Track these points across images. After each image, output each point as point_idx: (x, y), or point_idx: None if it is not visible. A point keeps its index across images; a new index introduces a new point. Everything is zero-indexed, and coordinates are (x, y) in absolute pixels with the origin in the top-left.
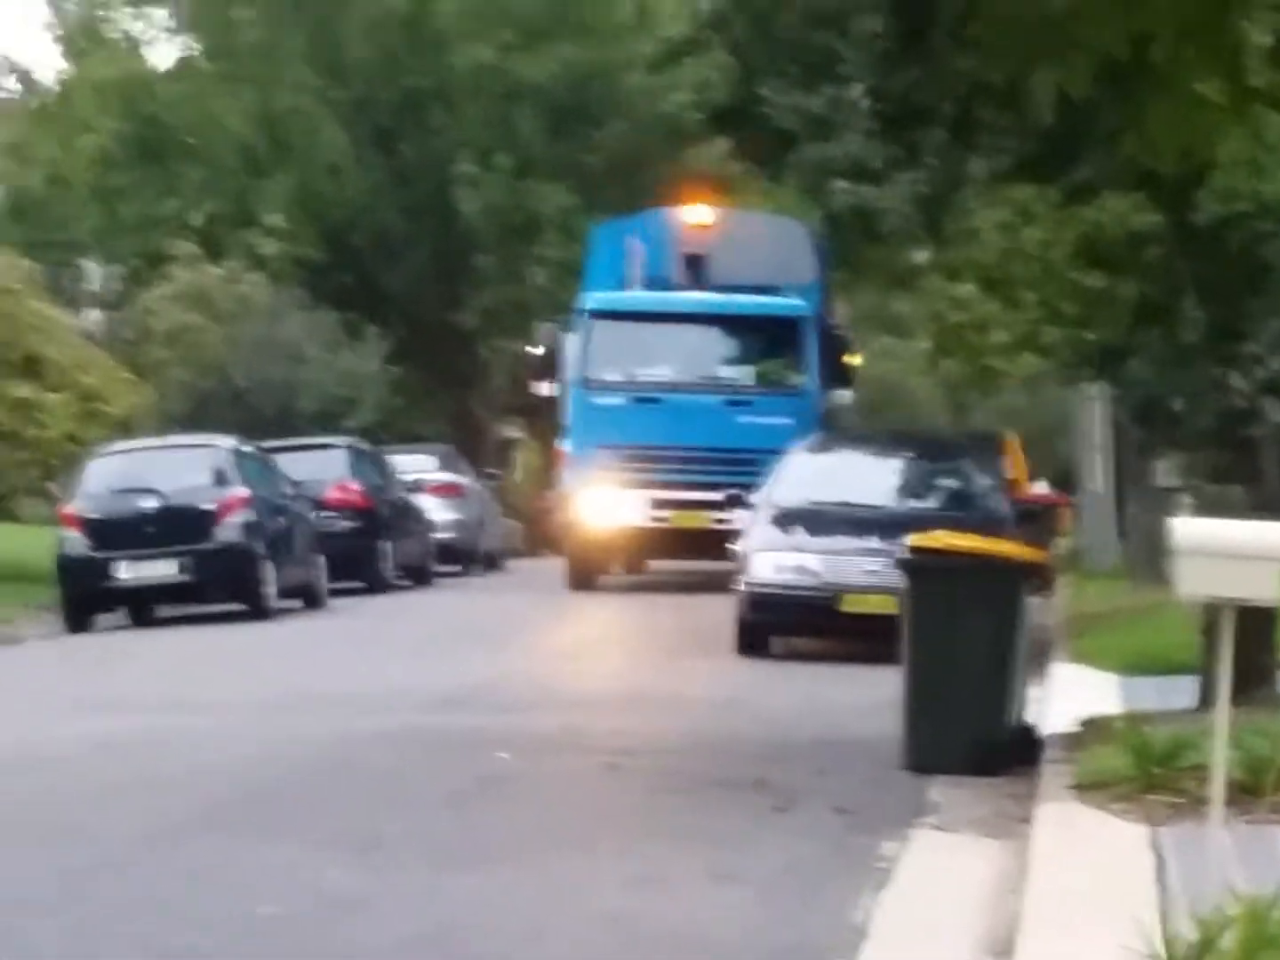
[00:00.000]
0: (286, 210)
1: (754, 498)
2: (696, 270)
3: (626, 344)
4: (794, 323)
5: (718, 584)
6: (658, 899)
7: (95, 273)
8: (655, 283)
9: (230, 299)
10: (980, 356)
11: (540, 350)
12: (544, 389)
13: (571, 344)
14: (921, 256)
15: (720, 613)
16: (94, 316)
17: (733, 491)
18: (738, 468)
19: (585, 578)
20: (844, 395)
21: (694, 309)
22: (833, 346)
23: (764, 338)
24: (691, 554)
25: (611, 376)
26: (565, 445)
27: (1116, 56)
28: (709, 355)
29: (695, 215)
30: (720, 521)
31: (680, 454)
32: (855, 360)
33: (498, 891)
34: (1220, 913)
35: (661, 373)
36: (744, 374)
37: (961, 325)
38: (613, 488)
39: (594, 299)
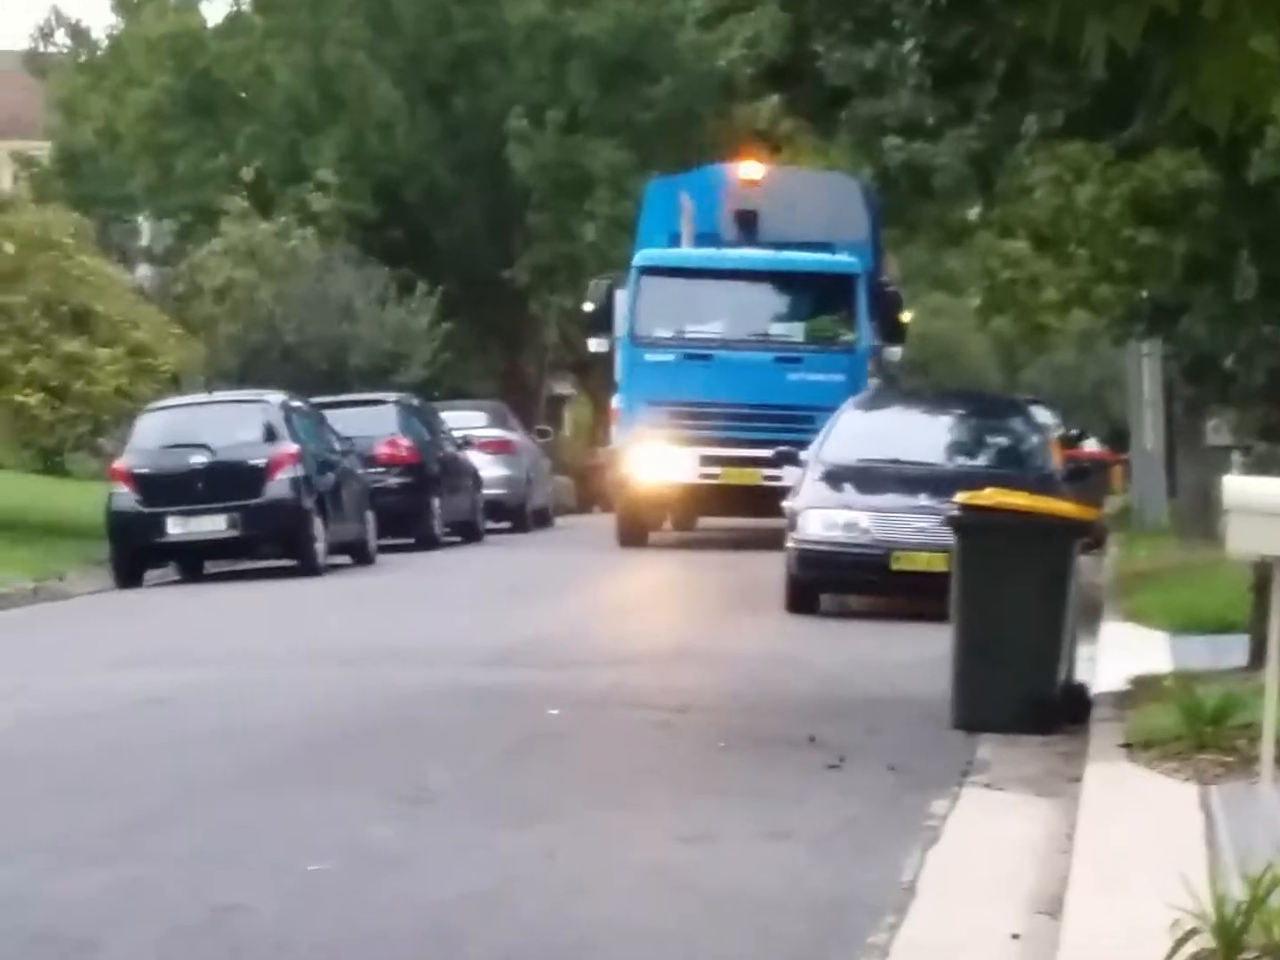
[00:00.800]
0: (338, 165)
1: (805, 455)
2: (748, 227)
3: (678, 300)
4: (845, 279)
5: (768, 541)
6: (708, 855)
7: (146, 228)
8: (707, 239)
9: (281, 254)
10: (1032, 313)
11: (592, 307)
12: (596, 345)
13: (623, 300)
14: (973, 213)
15: (770, 570)
16: (144, 272)
17: (783, 449)
18: (788, 425)
19: (636, 534)
20: (895, 352)
21: (745, 265)
22: (884, 303)
23: (815, 294)
24: (742, 511)
25: (663, 333)
26: (616, 402)
27: (1166, 9)
28: (760, 312)
29: (747, 171)
30: (771, 479)
31: (731, 411)
32: (906, 317)
33: (547, 848)
34: (1270, 872)
35: (713, 329)
36: (795, 330)
37: (1013, 282)
38: (663, 444)
39: (645, 255)
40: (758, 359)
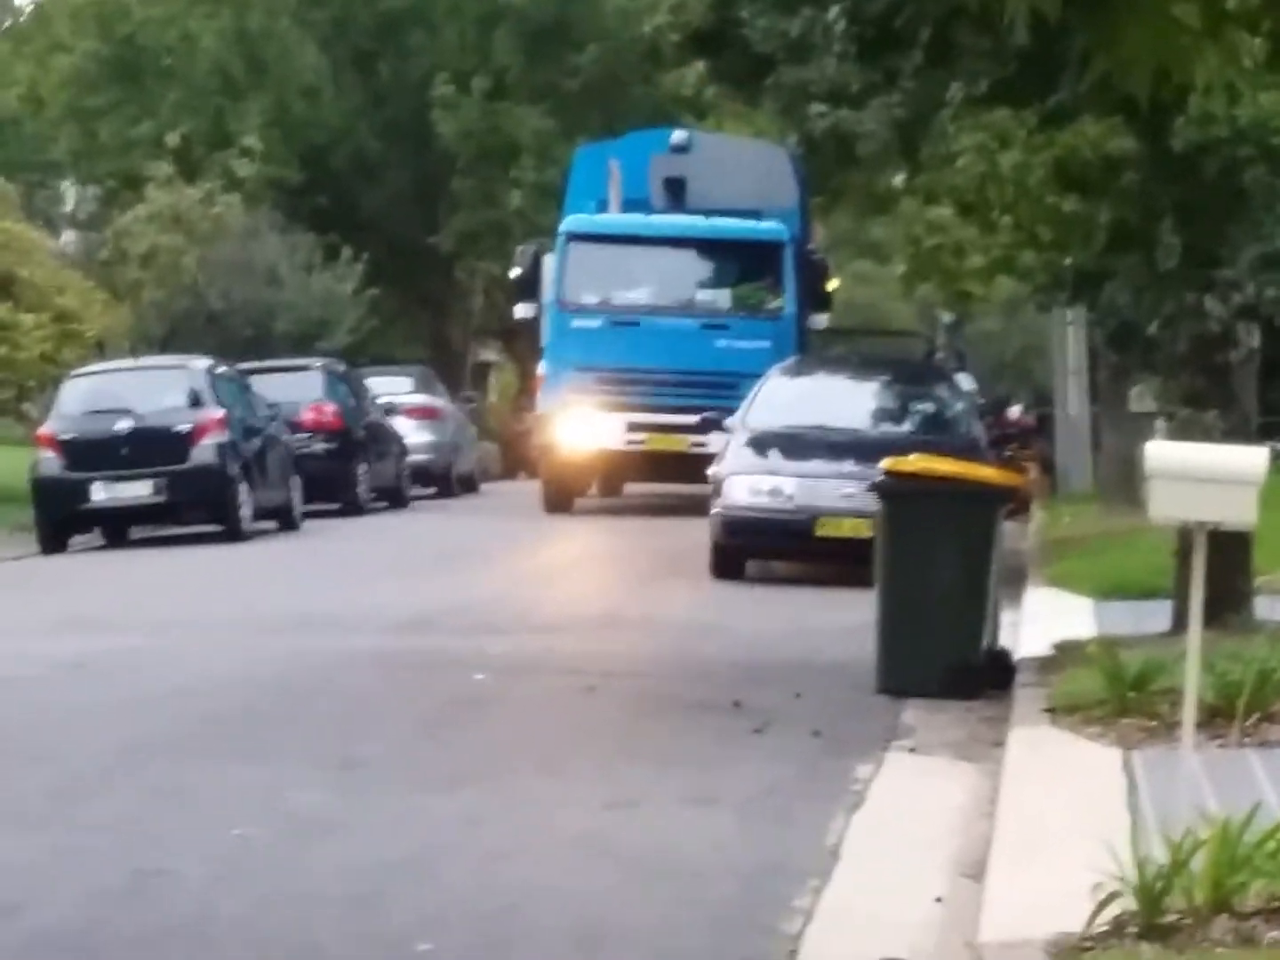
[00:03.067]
0: (263, 132)
1: (730, 421)
2: (676, 193)
3: (605, 267)
4: (772, 247)
5: (693, 507)
6: (633, 821)
7: (71, 194)
8: (634, 206)
9: (206, 220)
10: (956, 280)
11: (519, 272)
12: (522, 311)
13: (550, 266)
14: (898, 180)
15: (696, 536)
16: (69, 238)
17: (709, 415)
18: (714, 391)
19: (561, 500)
20: (821, 320)
21: (672, 232)
22: (810, 271)
23: (742, 261)
24: (667, 477)
25: (589, 299)
26: (543, 368)
27: None
28: (687, 279)
29: (675, 139)
30: (696, 445)
31: (657, 377)
32: (832, 284)
33: (473, 814)
34: (1191, 836)
35: (639, 296)
36: (722, 298)
37: (938, 249)
38: (589, 410)
39: (573, 221)
40: (684, 325)
